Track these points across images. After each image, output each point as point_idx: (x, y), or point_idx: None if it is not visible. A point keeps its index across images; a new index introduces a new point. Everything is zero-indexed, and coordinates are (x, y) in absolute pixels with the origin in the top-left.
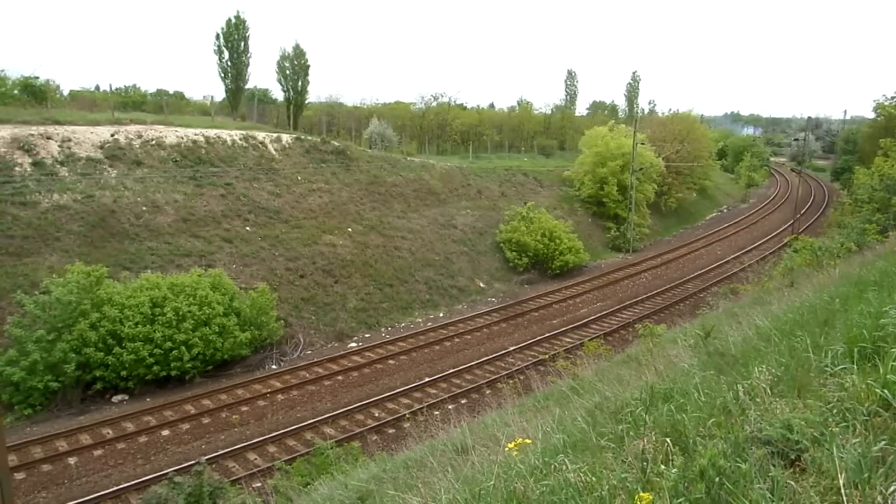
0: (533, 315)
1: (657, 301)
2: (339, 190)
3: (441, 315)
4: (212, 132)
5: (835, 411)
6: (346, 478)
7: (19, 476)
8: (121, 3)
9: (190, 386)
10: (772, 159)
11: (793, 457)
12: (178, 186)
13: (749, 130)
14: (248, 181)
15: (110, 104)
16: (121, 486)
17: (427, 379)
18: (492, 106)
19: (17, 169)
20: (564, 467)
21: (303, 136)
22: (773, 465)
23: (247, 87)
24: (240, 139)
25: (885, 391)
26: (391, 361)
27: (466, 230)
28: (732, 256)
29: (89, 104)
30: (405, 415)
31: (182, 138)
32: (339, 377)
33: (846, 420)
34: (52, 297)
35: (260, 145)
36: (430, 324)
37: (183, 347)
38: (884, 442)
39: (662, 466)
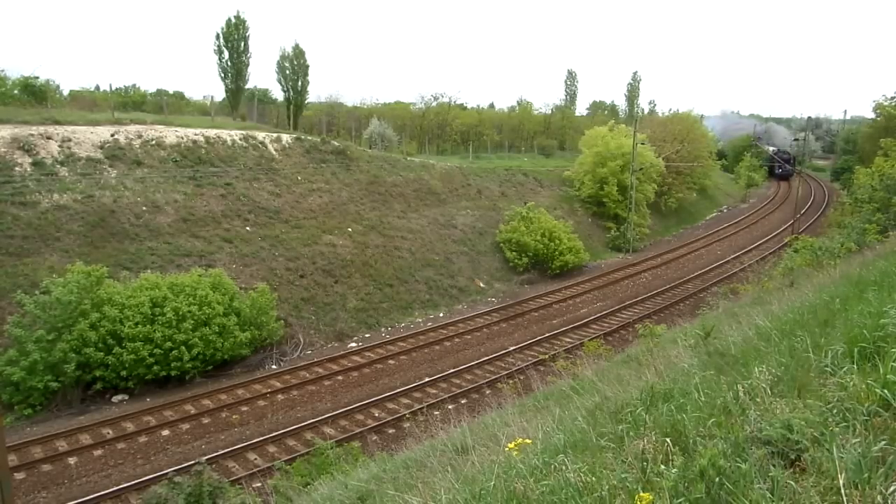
0: (533, 315)
1: (657, 301)
2: (339, 190)
3: (441, 315)
4: (212, 132)
5: (835, 411)
6: (346, 478)
7: (19, 476)
8: (121, 3)
9: (190, 386)
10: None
11: (793, 457)
12: (178, 186)
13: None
14: (248, 181)
15: (110, 104)
16: (121, 486)
17: (427, 379)
18: (492, 106)
19: (17, 169)
20: (564, 467)
21: (303, 136)
22: (773, 465)
23: (247, 87)
24: (240, 139)
25: (885, 391)
26: (391, 361)
27: (466, 230)
28: (732, 256)
29: (89, 104)
30: (405, 415)
31: (182, 138)
32: (339, 377)
33: (846, 420)
34: (52, 297)
35: (260, 145)
36: (430, 324)
37: (183, 347)
38: (884, 442)
39: (662, 466)
